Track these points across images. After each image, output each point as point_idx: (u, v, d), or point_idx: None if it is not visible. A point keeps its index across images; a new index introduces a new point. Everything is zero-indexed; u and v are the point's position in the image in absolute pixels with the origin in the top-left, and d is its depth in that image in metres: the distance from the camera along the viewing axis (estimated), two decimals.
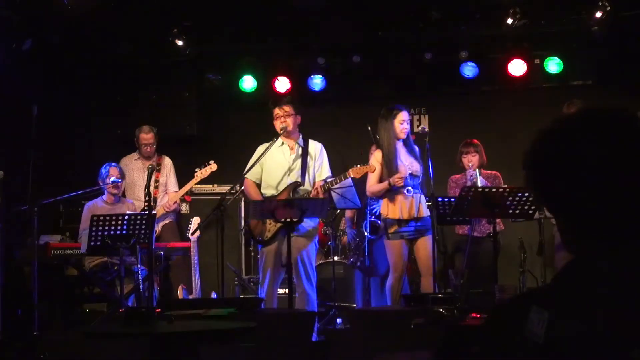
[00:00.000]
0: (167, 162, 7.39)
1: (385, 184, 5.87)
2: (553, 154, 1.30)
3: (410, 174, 5.87)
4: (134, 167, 7.33)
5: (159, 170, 7.23)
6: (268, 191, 5.95)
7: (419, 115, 8.38)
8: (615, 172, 1.24)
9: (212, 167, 6.86)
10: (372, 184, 5.99)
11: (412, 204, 5.85)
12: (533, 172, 1.33)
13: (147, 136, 7.24)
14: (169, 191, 7.32)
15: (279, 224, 5.68)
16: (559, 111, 6.42)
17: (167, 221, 7.26)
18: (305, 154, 5.96)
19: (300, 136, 6.05)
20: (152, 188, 6.90)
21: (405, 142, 6.03)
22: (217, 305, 4.56)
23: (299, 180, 5.88)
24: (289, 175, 5.92)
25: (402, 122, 5.94)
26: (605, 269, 1.22)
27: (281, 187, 5.91)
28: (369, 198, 6.46)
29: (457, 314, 3.62)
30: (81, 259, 6.61)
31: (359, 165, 5.92)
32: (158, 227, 7.07)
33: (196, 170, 6.92)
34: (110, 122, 8.33)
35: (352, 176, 5.87)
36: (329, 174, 6.02)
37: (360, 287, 6.85)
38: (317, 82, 8.12)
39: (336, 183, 5.95)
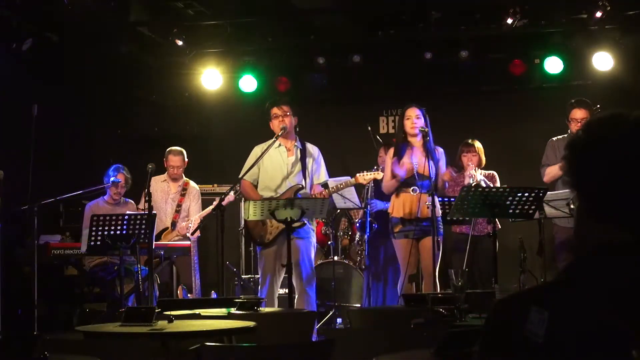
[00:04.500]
0: (192, 188, 7.11)
1: (394, 181, 5.83)
2: (600, 141, 1.28)
3: (417, 173, 5.82)
4: (159, 189, 7.03)
5: (183, 195, 7.02)
6: (265, 193, 5.91)
7: None
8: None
9: (230, 197, 6.33)
10: (386, 180, 5.94)
11: (416, 203, 5.78)
12: (575, 151, 1.31)
13: (175, 158, 7.02)
14: (190, 217, 6.95)
15: (280, 227, 5.62)
16: (559, 111, 6.42)
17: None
18: (304, 156, 5.94)
19: (297, 138, 6.03)
20: (171, 210, 6.93)
21: (423, 142, 5.90)
22: (217, 305, 4.56)
23: (301, 183, 5.87)
24: (287, 178, 5.90)
25: (408, 118, 5.92)
26: (606, 268, 1.22)
27: (280, 190, 5.88)
28: (368, 197, 6.45)
29: (457, 314, 3.62)
30: (81, 259, 6.61)
31: (365, 172, 5.84)
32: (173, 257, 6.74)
33: (215, 198, 6.43)
34: (110, 122, 8.32)
35: (358, 182, 5.83)
36: (327, 177, 5.98)
37: (365, 287, 6.85)
38: (316, 82, 8.11)
39: (341, 187, 5.91)
